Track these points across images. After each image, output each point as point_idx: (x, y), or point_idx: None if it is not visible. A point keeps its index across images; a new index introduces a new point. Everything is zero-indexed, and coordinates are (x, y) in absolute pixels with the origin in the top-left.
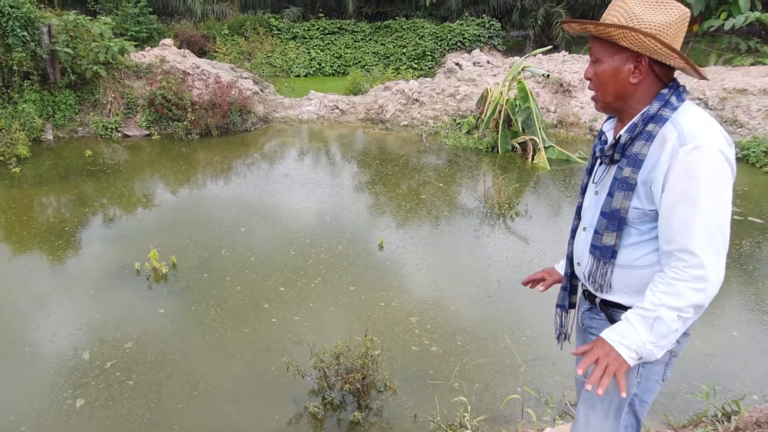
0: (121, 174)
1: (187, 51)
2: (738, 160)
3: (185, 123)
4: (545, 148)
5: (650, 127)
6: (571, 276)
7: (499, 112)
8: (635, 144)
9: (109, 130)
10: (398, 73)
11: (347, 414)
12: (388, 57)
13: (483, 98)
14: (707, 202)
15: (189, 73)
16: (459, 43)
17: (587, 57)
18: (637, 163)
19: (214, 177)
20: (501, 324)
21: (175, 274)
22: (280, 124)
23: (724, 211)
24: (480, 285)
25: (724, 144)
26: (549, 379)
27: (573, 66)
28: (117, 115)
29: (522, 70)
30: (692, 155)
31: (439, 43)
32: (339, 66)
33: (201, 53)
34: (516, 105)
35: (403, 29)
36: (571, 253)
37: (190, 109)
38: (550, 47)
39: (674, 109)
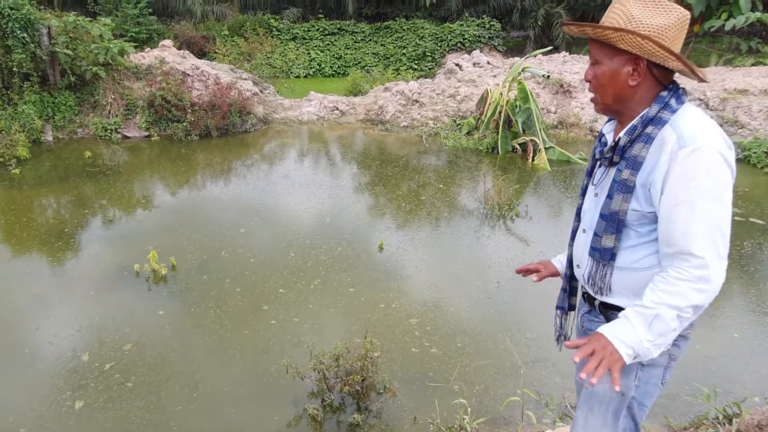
0: (121, 175)
1: (186, 52)
2: (739, 161)
3: (185, 124)
4: (546, 148)
5: (649, 129)
6: (571, 278)
7: (500, 112)
8: (634, 146)
9: (108, 131)
10: (398, 74)
11: (347, 416)
12: (388, 58)
13: (483, 99)
14: (707, 204)
15: (188, 74)
16: (459, 44)
17: (587, 58)
18: (636, 165)
19: (214, 178)
20: (501, 326)
21: (175, 276)
22: (279, 125)
23: (725, 212)
24: (480, 286)
25: (724, 146)
26: (549, 381)
27: (573, 67)
28: (116, 116)
29: (522, 70)
30: (691, 158)
31: (439, 44)
32: (339, 67)
33: (201, 54)
34: (516, 106)
35: (403, 30)
36: (571, 255)
37: (189, 111)
38: (550, 48)
39: (673, 111)
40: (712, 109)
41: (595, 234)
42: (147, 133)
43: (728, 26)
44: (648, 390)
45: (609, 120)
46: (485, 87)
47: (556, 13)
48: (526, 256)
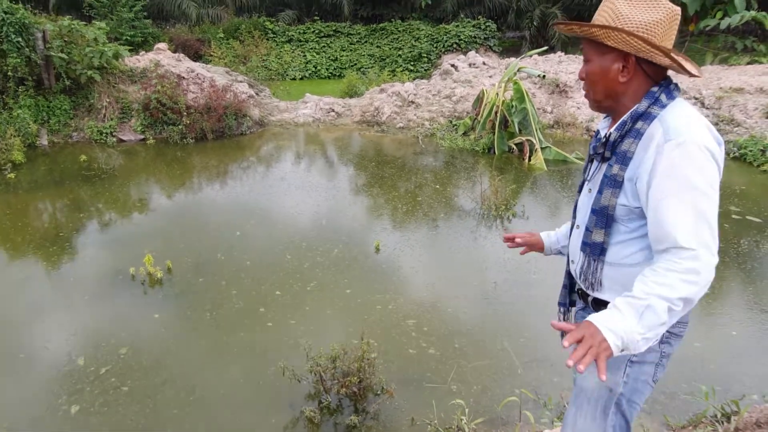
0: (116, 179)
1: (181, 55)
2: (735, 159)
3: (180, 127)
4: (542, 148)
5: (639, 124)
6: (570, 274)
7: (496, 113)
8: (624, 142)
9: (104, 134)
10: (394, 75)
11: (344, 418)
12: (384, 59)
13: (479, 99)
14: (694, 198)
15: (184, 77)
16: (455, 45)
17: (582, 57)
18: (625, 160)
19: (210, 181)
20: (498, 326)
21: (171, 279)
22: (275, 128)
23: (712, 206)
24: (477, 287)
25: (710, 140)
26: (547, 381)
27: (569, 67)
28: (112, 119)
29: (518, 71)
30: (677, 151)
31: (434, 45)
32: (335, 69)
33: (196, 57)
34: (512, 106)
35: (399, 31)
36: (568, 251)
37: (185, 113)
38: (545, 48)
39: (663, 106)
40: (707, 108)
41: (586, 229)
42: (142, 137)
43: (723, 25)
44: (638, 387)
45: (605, 117)
46: (481, 87)
47: (552, 13)
48: (524, 256)
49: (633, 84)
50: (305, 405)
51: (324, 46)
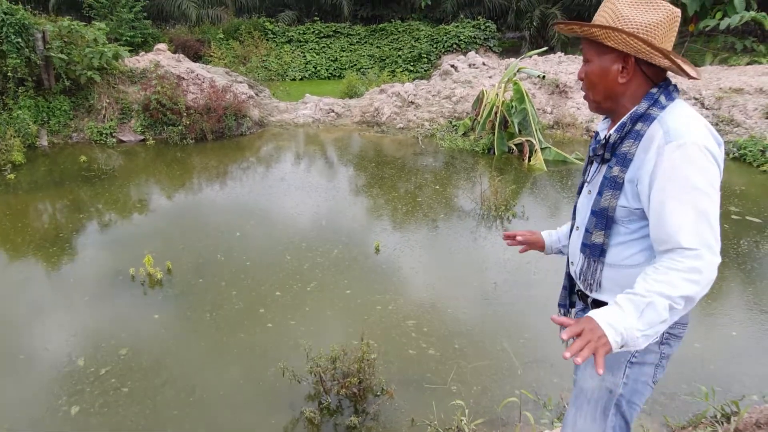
0: (116, 179)
1: (181, 56)
2: (735, 159)
3: (180, 128)
4: (542, 149)
5: (638, 126)
6: (570, 275)
7: (495, 113)
8: (624, 143)
9: (103, 135)
10: (394, 76)
11: (344, 419)
12: (384, 60)
13: (479, 100)
14: (695, 199)
15: (184, 78)
16: (455, 45)
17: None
18: (625, 162)
19: (210, 181)
20: (498, 327)
21: (170, 280)
22: (275, 128)
23: (713, 206)
24: (477, 287)
25: (710, 140)
26: (547, 381)
27: (569, 67)
28: (112, 120)
29: (518, 71)
30: (677, 153)
31: (434, 46)
32: (334, 69)
33: (196, 58)
34: (512, 106)
35: (399, 32)
36: (568, 252)
37: (185, 114)
38: (545, 48)
39: (662, 108)
40: (707, 108)
41: (586, 230)
42: (142, 137)
43: (723, 25)
44: (638, 388)
45: (605, 118)
46: (481, 88)
47: (552, 13)
48: (523, 256)
49: (632, 85)
50: (305, 406)
51: (324, 47)
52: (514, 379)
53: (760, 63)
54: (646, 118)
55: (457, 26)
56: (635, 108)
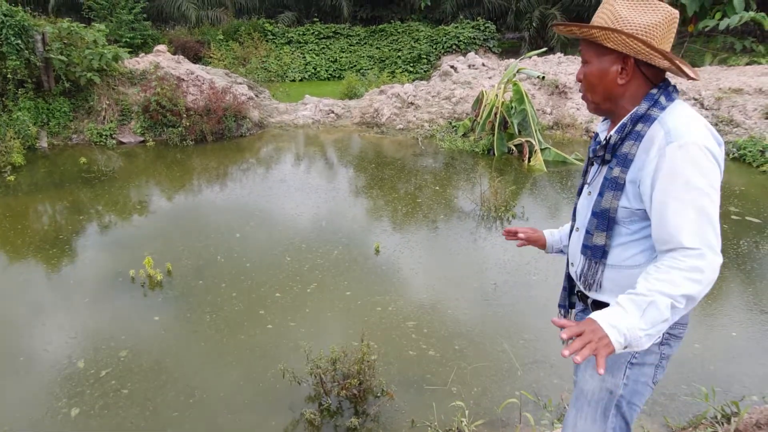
0: (116, 181)
1: (181, 57)
2: (734, 159)
3: (180, 129)
4: (541, 149)
5: (639, 127)
6: (570, 276)
7: (495, 114)
8: (624, 144)
9: (103, 137)
10: (394, 77)
11: (344, 420)
12: (384, 61)
13: (478, 101)
14: (697, 199)
15: (183, 79)
16: (454, 46)
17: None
18: (626, 163)
19: (210, 183)
20: (498, 327)
21: (170, 281)
22: (275, 129)
23: (713, 206)
24: (477, 288)
25: (710, 140)
26: (547, 382)
27: (568, 68)
28: (111, 122)
29: (517, 72)
30: (679, 153)
31: (434, 46)
32: (334, 70)
33: (195, 59)
34: (512, 107)
35: (398, 33)
36: (568, 253)
37: (184, 115)
38: (545, 49)
39: (663, 108)
40: (707, 109)
41: (587, 232)
42: (142, 139)
43: (722, 26)
44: (638, 389)
45: (604, 119)
46: (480, 89)
47: (551, 14)
48: (523, 257)
49: (631, 86)
50: (305, 407)
51: (323, 48)
52: (514, 380)
53: (760, 63)
54: (646, 119)
55: (457, 27)
56: (635, 109)
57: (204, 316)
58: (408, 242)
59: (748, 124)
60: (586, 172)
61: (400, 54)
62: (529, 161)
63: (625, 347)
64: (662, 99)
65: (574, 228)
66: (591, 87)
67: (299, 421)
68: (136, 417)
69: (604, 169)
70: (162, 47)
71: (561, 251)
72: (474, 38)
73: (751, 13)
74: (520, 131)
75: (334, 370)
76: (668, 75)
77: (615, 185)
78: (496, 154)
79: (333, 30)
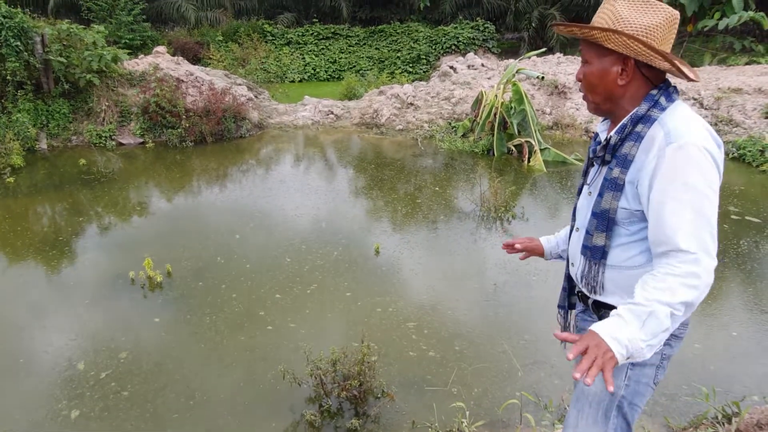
0: (116, 182)
1: (180, 58)
2: (734, 159)
3: (179, 130)
4: (541, 150)
5: (639, 127)
6: (570, 276)
7: (495, 114)
8: (625, 145)
9: (103, 138)
10: (393, 78)
11: (344, 421)
12: (383, 61)
13: (478, 101)
14: (695, 201)
15: (183, 81)
16: (453, 47)
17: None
18: (626, 163)
19: (209, 184)
20: (499, 328)
21: (170, 283)
22: (275, 130)
23: (712, 208)
24: (477, 289)
25: (710, 141)
26: (547, 383)
27: (568, 68)
28: (111, 123)
29: (517, 72)
30: (678, 154)
31: (433, 47)
32: (333, 71)
33: (195, 60)
34: (511, 107)
35: (398, 33)
36: (567, 254)
37: (184, 117)
38: (544, 49)
39: (663, 109)
40: (706, 108)
41: (587, 232)
42: (141, 140)
43: (721, 25)
44: (639, 390)
45: (604, 119)
46: (480, 89)
47: (550, 14)
48: None
49: (632, 87)
50: (306, 408)
51: (323, 49)
52: (514, 381)
53: (759, 63)
54: (646, 119)
55: (456, 27)
56: (636, 110)
57: (204, 317)
58: (408, 243)
59: (747, 124)
60: (586, 173)
61: (399, 54)
62: (528, 161)
63: (628, 358)
64: (662, 100)
65: (574, 228)
66: (591, 87)
67: (300, 422)
68: (136, 419)
69: (604, 169)
70: (161, 48)
71: (560, 256)
72: (473, 39)
73: (750, 13)
74: (519, 131)
75: (334, 371)
76: (668, 75)
77: (614, 186)
78: (495, 155)
79: (332, 31)
